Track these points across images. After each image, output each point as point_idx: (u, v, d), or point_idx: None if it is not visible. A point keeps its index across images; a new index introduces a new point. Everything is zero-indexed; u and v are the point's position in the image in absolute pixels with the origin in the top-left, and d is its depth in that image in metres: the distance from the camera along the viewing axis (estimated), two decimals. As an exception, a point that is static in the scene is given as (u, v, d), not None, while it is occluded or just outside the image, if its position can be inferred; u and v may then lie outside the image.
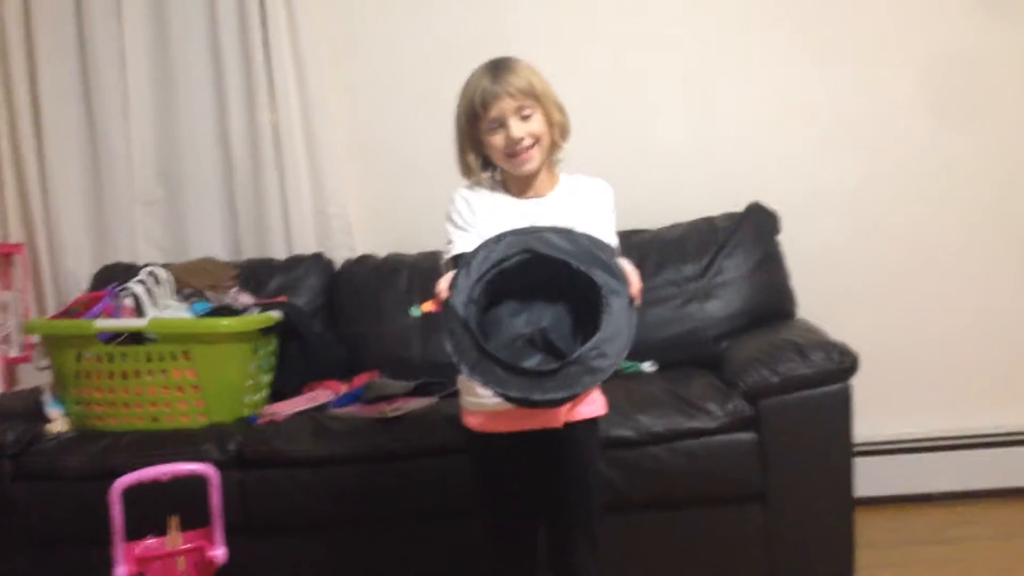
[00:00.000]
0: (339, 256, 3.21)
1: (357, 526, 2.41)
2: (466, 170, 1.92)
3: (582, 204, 1.89)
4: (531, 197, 1.91)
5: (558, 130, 1.89)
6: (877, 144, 3.13)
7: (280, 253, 3.22)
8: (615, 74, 3.19)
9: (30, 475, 2.47)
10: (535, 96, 1.84)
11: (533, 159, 1.85)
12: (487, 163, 1.92)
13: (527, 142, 1.83)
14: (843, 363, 2.29)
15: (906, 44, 3.11)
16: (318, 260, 3.16)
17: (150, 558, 2.18)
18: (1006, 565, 2.60)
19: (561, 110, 1.89)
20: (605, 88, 3.17)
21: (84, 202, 3.33)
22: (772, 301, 2.88)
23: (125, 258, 3.22)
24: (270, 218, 3.24)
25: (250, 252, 3.26)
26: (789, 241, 2.95)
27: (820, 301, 2.91)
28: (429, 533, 2.39)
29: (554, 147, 1.90)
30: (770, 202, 2.97)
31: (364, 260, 3.16)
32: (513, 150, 1.83)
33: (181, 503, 2.26)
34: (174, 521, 2.23)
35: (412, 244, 3.13)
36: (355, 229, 3.28)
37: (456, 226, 1.89)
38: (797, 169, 3.13)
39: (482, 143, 1.87)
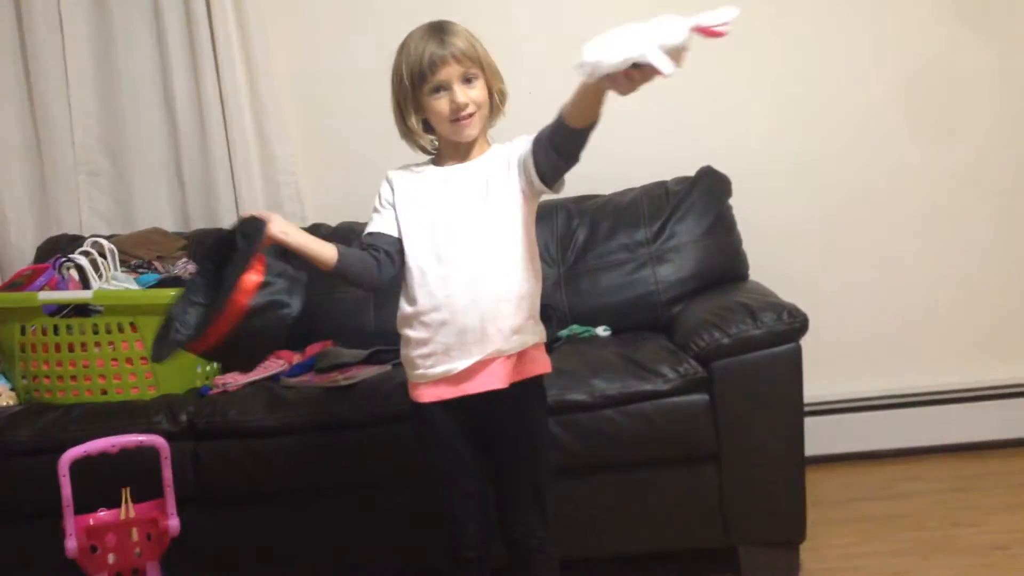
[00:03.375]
0: (290, 227, 3.17)
1: (312, 495, 2.41)
2: (406, 132, 1.90)
3: (503, 162, 1.86)
4: (455, 165, 1.89)
5: (498, 97, 1.87)
6: (831, 107, 3.15)
7: (229, 223, 3.17)
8: (566, 40, 3.15)
9: (-24, 450, 2.43)
10: (479, 62, 1.82)
11: (474, 125, 1.83)
12: (427, 127, 1.90)
13: (471, 108, 1.81)
14: (793, 324, 2.31)
15: (864, 19, 3.13)
16: (267, 229, 3.12)
17: (102, 530, 2.17)
18: (953, 518, 2.67)
19: (500, 78, 1.88)
20: (556, 54, 3.13)
21: (25, 173, 3.25)
22: (724, 265, 2.90)
23: (70, 230, 3.16)
24: (218, 187, 3.19)
25: (198, 222, 3.22)
26: (742, 205, 2.97)
27: (773, 264, 2.94)
28: (385, 500, 2.38)
29: (494, 113, 1.89)
30: (723, 166, 2.99)
31: (315, 229, 3.12)
32: (457, 116, 1.81)
33: (134, 475, 2.24)
34: (126, 492, 2.21)
35: (364, 213, 3.08)
36: (305, 198, 3.24)
37: (374, 208, 1.92)
38: (750, 133, 3.15)
39: (423, 107, 1.84)
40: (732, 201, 2.97)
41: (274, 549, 2.44)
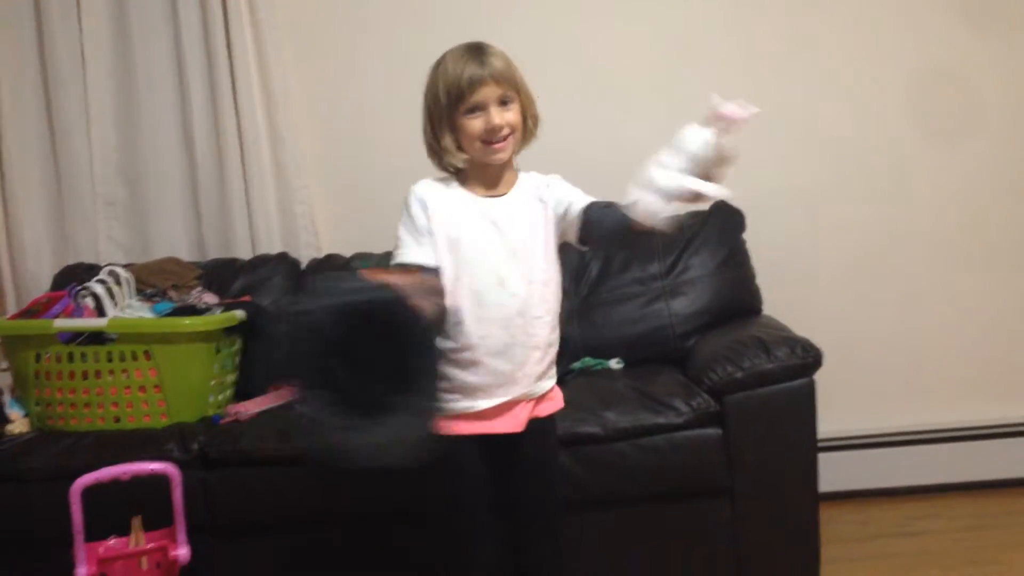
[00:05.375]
0: (305, 256, 3.19)
1: (322, 525, 2.39)
2: (439, 152, 1.83)
3: (535, 202, 1.85)
4: (492, 195, 1.85)
5: (531, 121, 1.85)
6: (844, 143, 3.16)
7: (245, 253, 3.20)
8: (584, 73, 3.19)
9: (-11, 477, 2.43)
10: (515, 85, 1.80)
11: (507, 149, 1.80)
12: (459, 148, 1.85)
13: (506, 131, 1.78)
14: (807, 359, 2.30)
15: (879, 50, 3.15)
16: (283, 260, 3.14)
17: (112, 558, 2.16)
18: (970, 557, 2.63)
19: (534, 103, 1.85)
20: (574, 87, 3.17)
21: (45, 202, 3.27)
22: (738, 298, 2.90)
23: (87, 258, 3.18)
24: (234, 218, 3.21)
25: (214, 252, 3.23)
26: (755, 239, 2.97)
27: (786, 298, 2.93)
28: (396, 532, 2.37)
29: (527, 138, 1.86)
30: (737, 200, 2.99)
31: (330, 260, 3.14)
32: (492, 138, 1.77)
33: (145, 503, 2.24)
34: (137, 521, 2.22)
35: (378, 244, 3.11)
36: (320, 229, 3.26)
37: (407, 230, 1.81)
38: (764, 167, 3.14)
39: (456, 127, 1.80)
40: (745, 235, 2.96)
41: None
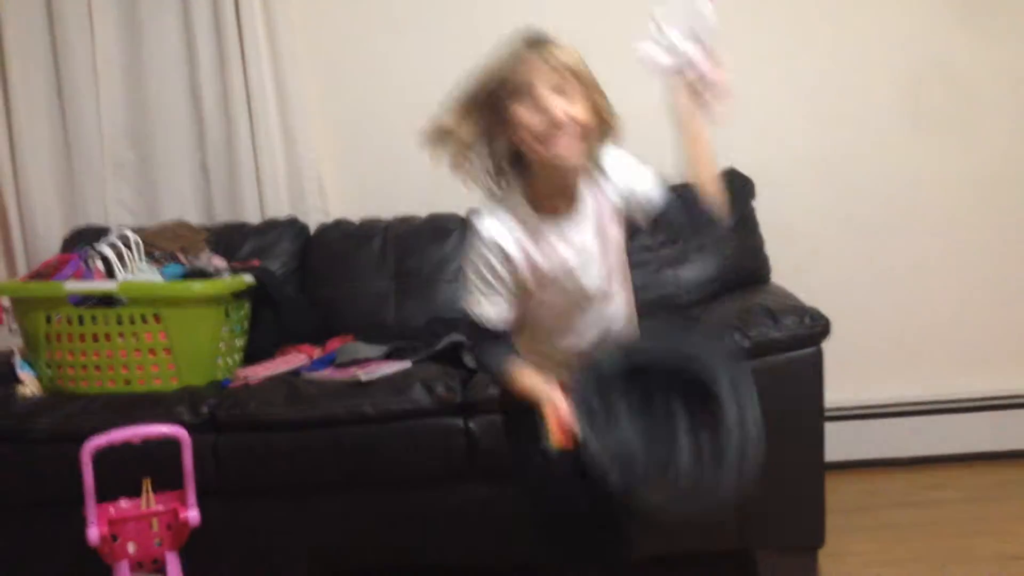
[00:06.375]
0: (313, 220, 3.19)
1: (329, 489, 2.41)
2: (488, 158, 1.62)
3: (613, 203, 1.68)
4: (561, 216, 1.63)
5: (607, 128, 1.60)
6: (854, 111, 3.13)
7: (253, 217, 3.20)
8: (589, 36, 3.15)
9: (0, 437, 2.45)
10: (579, 77, 1.55)
11: (571, 149, 1.54)
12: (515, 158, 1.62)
13: (563, 122, 1.52)
14: (815, 328, 2.29)
15: (895, 16, 3.11)
16: (292, 224, 3.14)
17: (123, 519, 2.18)
18: (974, 527, 2.65)
19: (610, 105, 1.60)
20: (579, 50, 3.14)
21: (53, 164, 3.27)
22: (746, 267, 2.89)
23: (96, 221, 3.18)
24: (243, 180, 3.20)
25: (223, 216, 3.23)
26: (766, 207, 2.96)
27: (794, 267, 2.93)
28: (401, 497, 2.39)
29: (605, 136, 1.61)
30: (745, 167, 2.97)
31: (338, 224, 3.14)
32: (546, 130, 1.52)
33: (154, 466, 2.26)
34: (147, 483, 2.23)
35: (387, 208, 3.12)
36: (329, 193, 3.25)
37: (482, 282, 1.63)
38: (773, 135, 3.12)
39: (510, 123, 1.55)
40: (756, 203, 2.95)
41: (292, 542, 2.45)
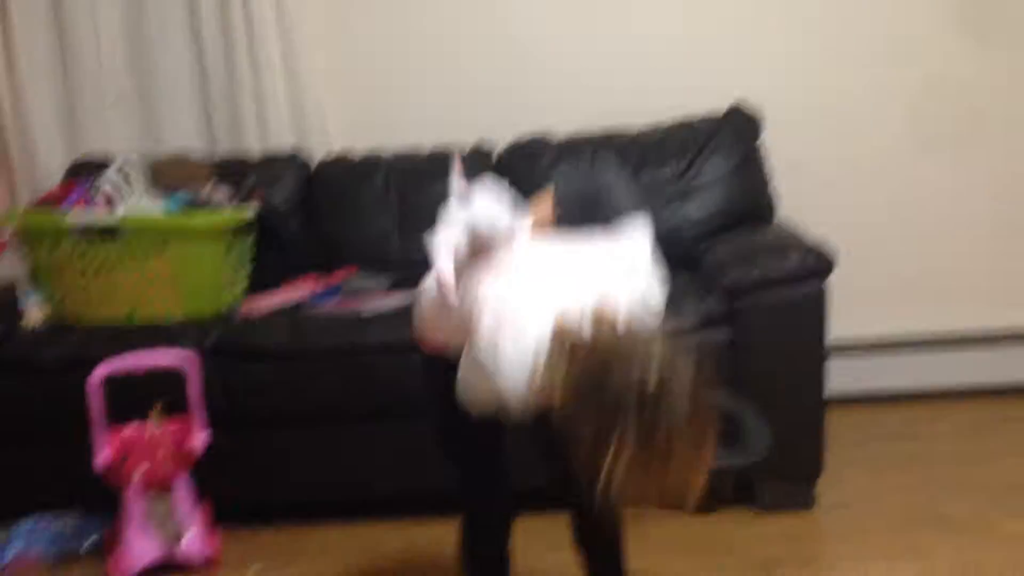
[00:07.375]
0: (317, 151, 3.16)
1: (333, 418, 2.45)
2: None
3: None
4: None
5: None
6: (870, 48, 3.09)
7: (255, 146, 3.17)
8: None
9: (6, 367, 2.47)
10: None
11: None
12: None
13: None
14: (819, 264, 2.31)
15: None
16: (294, 158, 3.11)
17: (132, 442, 2.21)
18: (969, 460, 2.69)
19: None
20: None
21: (53, 96, 3.23)
22: (752, 203, 2.88)
23: (96, 152, 3.16)
24: (243, 110, 3.17)
25: (224, 146, 3.21)
26: (772, 143, 2.94)
27: (801, 203, 2.92)
28: (404, 428, 2.41)
29: None
30: (753, 102, 2.95)
31: (342, 158, 3.12)
32: None
33: (160, 393, 2.28)
34: (157, 407, 2.26)
35: (391, 140, 3.09)
36: (331, 121, 3.22)
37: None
38: (782, 70, 3.09)
39: None
40: (765, 137, 2.94)
41: (295, 469, 2.49)
